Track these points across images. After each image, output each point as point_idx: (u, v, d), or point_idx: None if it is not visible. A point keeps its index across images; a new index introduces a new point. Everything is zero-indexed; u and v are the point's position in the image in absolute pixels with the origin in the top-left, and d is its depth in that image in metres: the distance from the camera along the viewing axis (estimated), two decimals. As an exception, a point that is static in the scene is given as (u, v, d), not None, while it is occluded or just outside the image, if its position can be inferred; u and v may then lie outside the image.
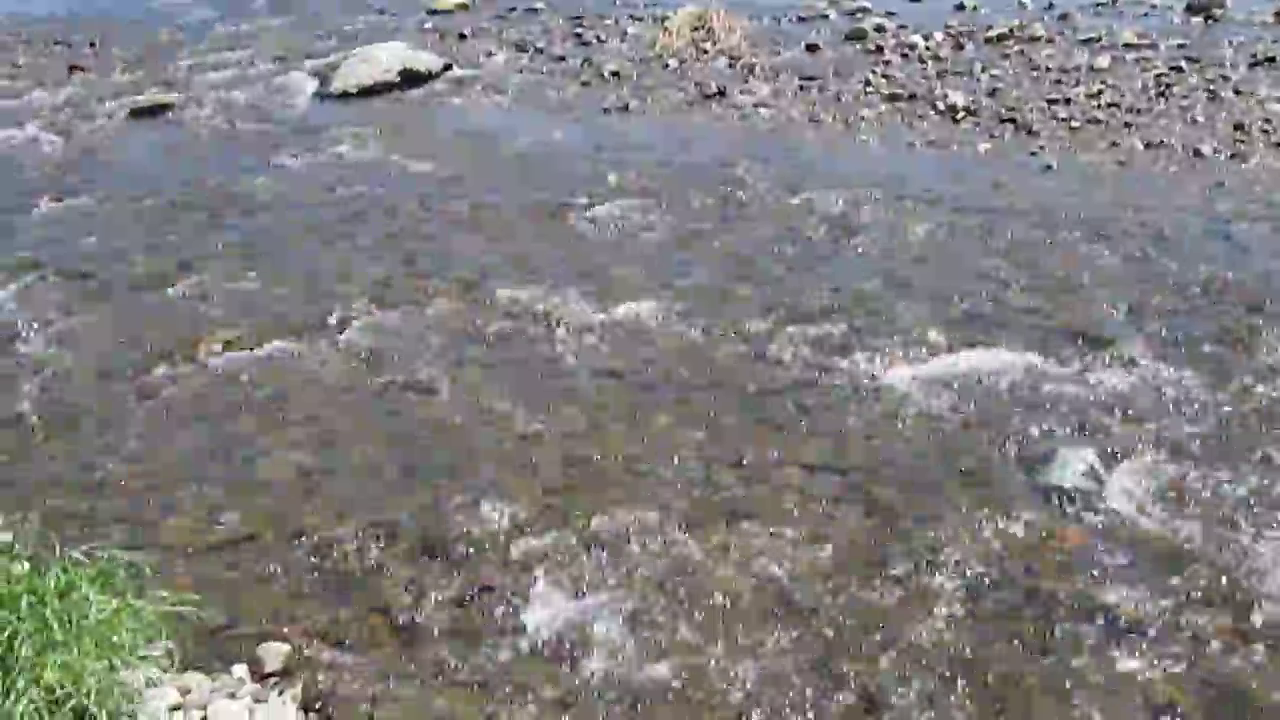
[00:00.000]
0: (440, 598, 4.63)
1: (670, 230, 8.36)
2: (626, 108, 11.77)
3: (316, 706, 4.07)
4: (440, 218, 8.88)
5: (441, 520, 5.11)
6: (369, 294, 7.48)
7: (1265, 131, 10.04)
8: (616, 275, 7.60)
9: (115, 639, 3.77)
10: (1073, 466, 5.26)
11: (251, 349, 6.84)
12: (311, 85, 13.07)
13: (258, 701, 4.01)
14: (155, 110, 12.32)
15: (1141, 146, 9.89)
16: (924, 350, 6.42)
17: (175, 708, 3.84)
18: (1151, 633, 4.36)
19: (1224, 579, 4.60)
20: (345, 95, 12.57)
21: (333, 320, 7.14)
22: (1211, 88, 11.25)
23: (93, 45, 15.40)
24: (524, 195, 9.23)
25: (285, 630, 4.47)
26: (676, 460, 5.52)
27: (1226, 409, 5.76)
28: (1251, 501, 5.06)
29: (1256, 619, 4.42)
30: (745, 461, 5.50)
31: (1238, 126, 10.19)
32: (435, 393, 6.26)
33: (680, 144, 10.45)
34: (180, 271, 7.98)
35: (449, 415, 6.04)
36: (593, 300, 7.21)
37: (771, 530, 4.97)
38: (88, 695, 3.51)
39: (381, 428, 5.98)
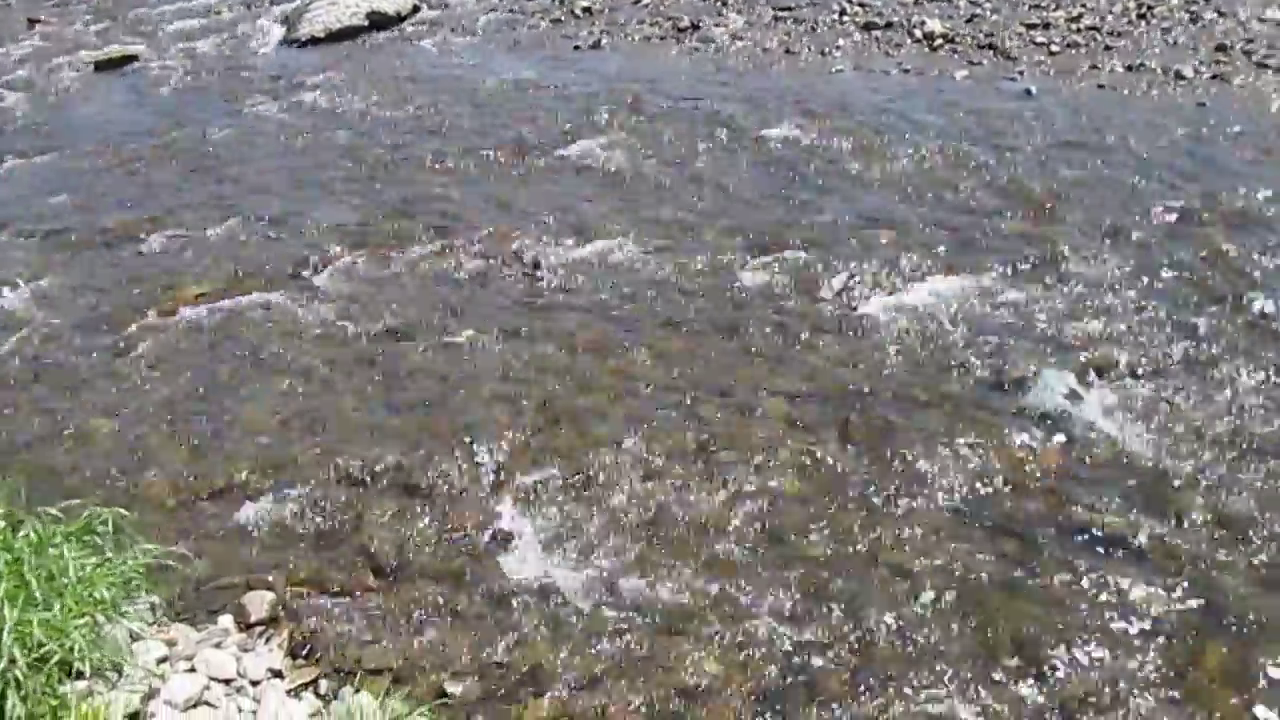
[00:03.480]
0: (424, 539, 4.63)
1: (645, 166, 8.26)
2: (598, 44, 11.59)
3: (304, 652, 4.07)
4: (413, 161, 8.76)
5: (424, 463, 5.08)
6: (344, 240, 7.39)
7: (1247, 52, 9.92)
8: (592, 212, 7.52)
9: (96, 594, 3.76)
10: (1052, 388, 5.25)
11: (227, 299, 6.77)
12: (278, 31, 12.83)
13: (244, 650, 4.01)
14: (120, 62, 12.10)
15: (1122, 69, 9.78)
16: (903, 277, 6.39)
17: (162, 659, 3.84)
18: (1133, 549, 4.38)
19: (1203, 496, 4.62)
20: (313, 40, 12.34)
21: (308, 267, 7.06)
22: (1193, 9, 11.10)
23: (52, -3, 15.08)
24: (496, 135, 9.10)
25: (270, 579, 4.47)
26: (658, 394, 5.50)
27: (1205, 329, 5.75)
28: (1228, 419, 5.07)
29: (1235, 534, 4.44)
30: (726, 392, 5.48)
31: (1220, 47, 10.07)
32: (414, 336, 6.21)
33: (654, 79, 10.29)
34: (152, 224, 7.87)
35: (428, 358, 5.99)
36: (569, 238, 7.14)
37: (754, 459, 4.97)
38: (71, 651, 3.51)
39: (361, 373, 5.94)
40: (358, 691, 3.80)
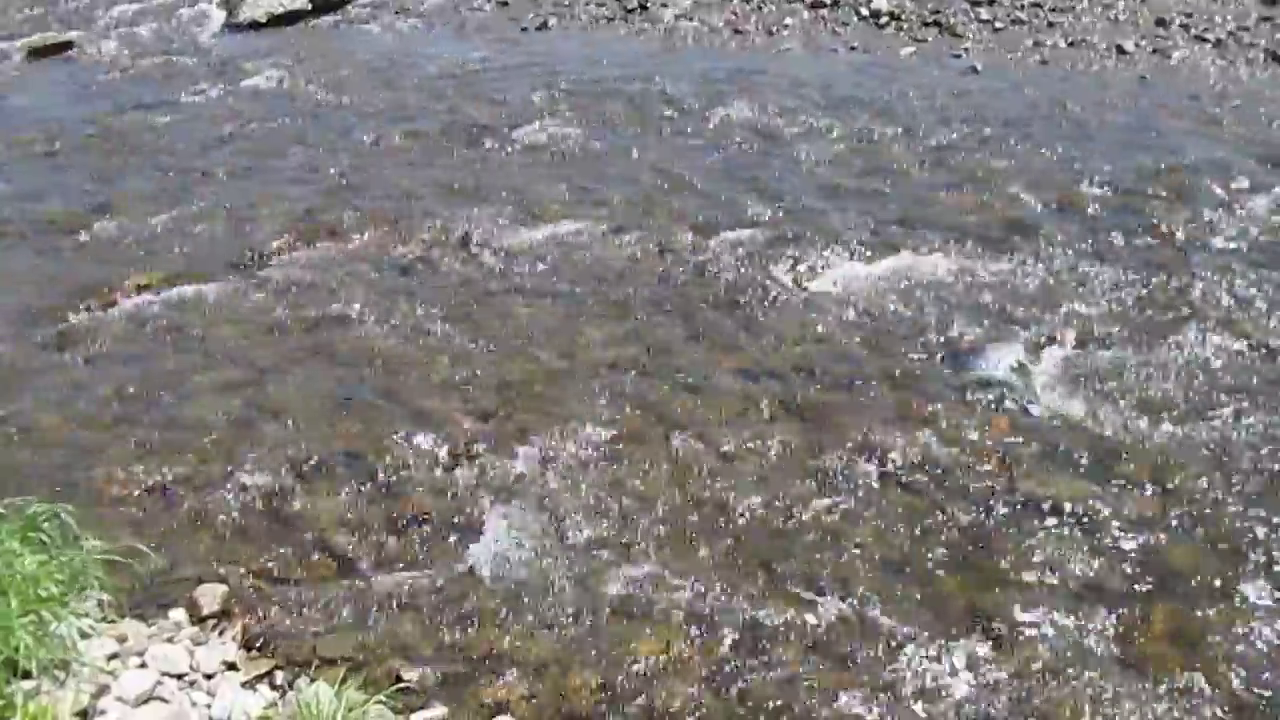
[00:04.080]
0: (378, 528, 4.59)
1: (594, 147, 8.23)
2: (545, 25, 11.52)
3: (258, 644, 4.02)
4: (358, 146, 8.66)
5: (377, 450, 5.04)
6: (289, 227, 7.29)
7: (1185, 26, 10.09)
8: (541, 194, 7.49)
9: (43, 592, 3.69)
10: (1001, 360, 5.33)
11: (172, 289, 6.65)
12: (219, 16, 12.60)
13: (197, 644, 3.96)
14: (55, 49, 11.81)
15: (1065, 45, 9.90)
16: (853, 253, 6.43)
17: (112, 656, 3.77)
18: (1080, 517, 4.46)
19: (1149, 463, 4.71)
20: (255, 25, 12.14)
21: (254, 256, 6.96)
22: (1133, -17, 11.25)
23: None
24: (443, 119, 9.02)
25: (223, 571, 4.40)
26: (610, 375, 5.50)
27: (1148, 299, 5.85)
28: (1173, 388, 5.17)
29: (1181, 500, 4.54)
30: (679, 372, 5.49)
31: (1159, 22, 10.23)
32: (363, 323, 6.15)
33: (602, 59, 10.26)
34: (92, 214, 7.70)
35: (378, 345, 5.94)
36: (518, 220, 7.10)
37: (707, 438, 4.99)
38: (17, 650, 3.44)
39: (310, 361, 5.86)
40: (314, 681, 3.77)
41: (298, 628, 4.09)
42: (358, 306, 6.30)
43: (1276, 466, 4.72)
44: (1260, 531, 4.38)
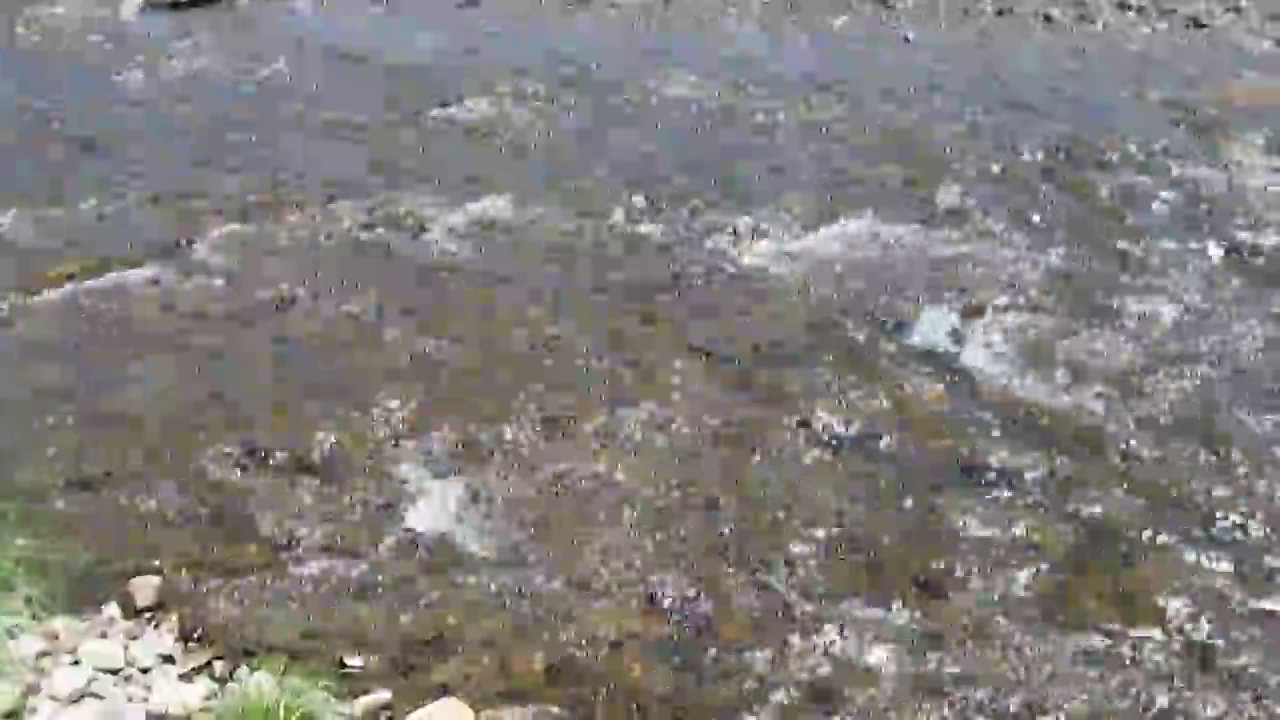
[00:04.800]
0: (316, 516, 4.52)
1: (529, 125, 8.16)
2: (476, 1, 11.35)
3: (196, 636, 3.95)
4: (290, 127, 8.48)
5: (314, 438, 4.96)
6: (222, 211, 7.12)
7: (1110, -7, 10.24)
8: (480, 175, 7.41)
9: (-35, 591, 3.59)
10: (935, 329, 5.40)
11: (102, 278, 6.45)
12: (139, -4, 12.23)
13: (132, 638, 3.87)
14: (-36, 33, 11.39)
15: (994, 14, 9.99)
16: (790, 228, 6.46)
17: (43, 654, 3.68)
18: (1016, 481, 4.54)
19: (1081, 425, 4.80)
20: (176, 5, 11.79)
21: (187, 241, 6.79)
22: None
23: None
24: (377, 99, 8.86)
25: (157, 563, 4.31)
26: (554, 356, 5.47)
27: (1080, 266, 5.95)
28: (1105, 352, 5.26)
29: (1113, 461, 4.63)
30: (623, 350, 5.48)
31: (1085, -11, 10.36)
32: (300, 309, 6.04)
33: (538, 36, 10.15)
34: (10, 202, 7.46)
35: (316, 330, 5.84)
36: (457, 201, 7.02)
37: (655, 416, 4.99)
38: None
39: (247, 347, 5.75)
40: (255, 671, 3.71)
41: (236, 618, 4.01)
42: (295, 291, 6.18)
43: (1203, 427, 4.83)
44: (1189, 490, 4.49)
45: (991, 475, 4.58)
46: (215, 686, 3.71)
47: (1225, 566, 4.15)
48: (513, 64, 9.35)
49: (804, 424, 4.90)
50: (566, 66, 9.25)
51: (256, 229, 6.89)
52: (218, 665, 3.81)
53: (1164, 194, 6.68)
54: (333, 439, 4.95)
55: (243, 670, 3.76)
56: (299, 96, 9.10)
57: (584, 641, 3.88)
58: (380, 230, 6.79)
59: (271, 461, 4.87)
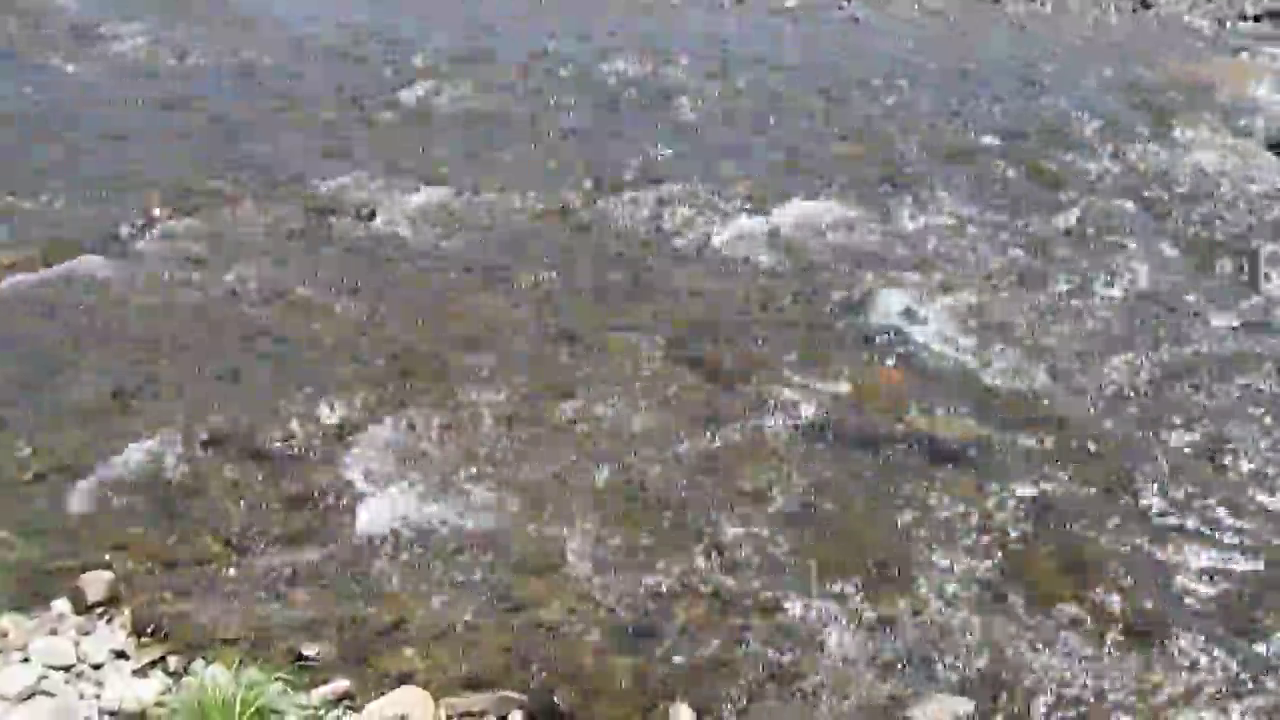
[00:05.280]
0: (271, 505, 4.47)
1: (479, 108, 8.10)
2: (428, -16, 11.22)
3: (149, 630, 3.89)
4: (237, 112, 8.34)
5: (268, 426, 4.90)
6: (168, 199, 6.98)
7: (1058, -28, 10.31)
8: (430, 157, 7.34)
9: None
10: (891, 308, 5.42)
11: (44, 269, 6.31)
12: (78, -22, 11.94)
13: (83, 634, 3.80)
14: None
15: (943, -7, 10.04)
16: (743, 206, 6.46)
17: (-9, 653, 3.61)
18: (974, 458, 4.58)
19: (1035, 402, 4.85)
20: (120, -12, 11.54)
21: (132, 230, 6.65)
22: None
23: None
24: (323, 83, 8.76)
25: (108, 558, 4.23)
26: (509, 340, 5.44)
27: (1031, 243, 6.01)
28: (1059, 329, 5.32)
29: (1068, 438, 4.69)
30: (577, 333, 5.46)
31: (1034, -32, 10.42)
32: (251, 295, 5.95)
33: (483, 19, 10.06)
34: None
35: (267, 317, 5.76)
36: (406, 184, 6.95)
37: (607, 398, 4.98)
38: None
39: (196, 337, 5.65)
40: (210, 664, 3.66)
41: (191, 611, 3.95)
42: (245, 277, 6.09)
43: (1157, 403, 4.90)
44: (1144, 467, 4.56)
45: (948, 452, 4.61)
46: (170, 681, 3.65)
47: (1179, 540, 4.21)
48: (458, 47, 9.29)
49: (759, 402, 4.91)
50: (512, 48, 9.18)
51: (203, 215, 6.78)
52: (172, 660, 3.75)
53: (1115, 170, 6.76)
54: (285, 428, 4.88)
55: (198, 664, 3.71)
56: (244, 80, 8.97)
57: (543, 627, 3.87)
58: (329, 215, 6.71)
59: (223, 452, 4.80)
